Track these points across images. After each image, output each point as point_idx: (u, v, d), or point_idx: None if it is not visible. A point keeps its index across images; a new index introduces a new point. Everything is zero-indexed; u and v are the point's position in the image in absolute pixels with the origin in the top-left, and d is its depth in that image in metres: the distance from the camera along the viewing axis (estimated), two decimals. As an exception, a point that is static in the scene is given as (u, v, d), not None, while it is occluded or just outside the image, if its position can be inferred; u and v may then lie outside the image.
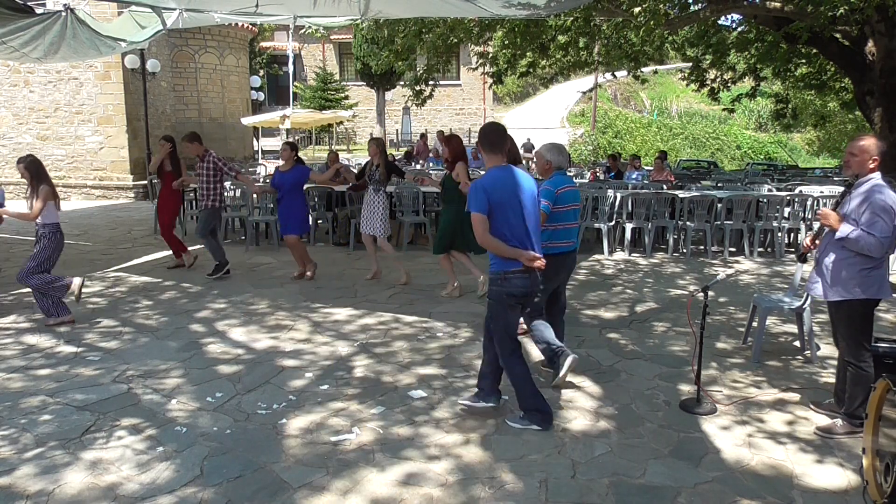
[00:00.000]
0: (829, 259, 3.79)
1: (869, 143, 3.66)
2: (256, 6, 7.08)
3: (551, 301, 4.79)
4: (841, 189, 3.94)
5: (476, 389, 4.13)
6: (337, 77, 35.14)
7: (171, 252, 8.41)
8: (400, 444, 3.69)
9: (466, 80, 35.40)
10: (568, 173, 5.00)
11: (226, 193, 10.74)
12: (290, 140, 7.93)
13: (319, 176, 8.08)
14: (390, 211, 10.60)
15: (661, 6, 11.37)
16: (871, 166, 3.65)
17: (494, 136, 3.83)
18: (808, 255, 4.03)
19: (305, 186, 7.92)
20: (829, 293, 3.80)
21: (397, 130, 34.99)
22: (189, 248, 8.36)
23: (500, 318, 3.84)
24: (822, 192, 9.76)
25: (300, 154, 8.39)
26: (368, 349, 5.25)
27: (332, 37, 33.66)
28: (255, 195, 9.87)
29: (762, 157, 36.31)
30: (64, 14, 7.01)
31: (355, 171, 8.45)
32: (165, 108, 19.17)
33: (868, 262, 3.64)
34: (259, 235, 10.05)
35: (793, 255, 9.22)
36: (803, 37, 11.22)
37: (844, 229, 3.62)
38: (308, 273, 7.64)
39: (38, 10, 7.14)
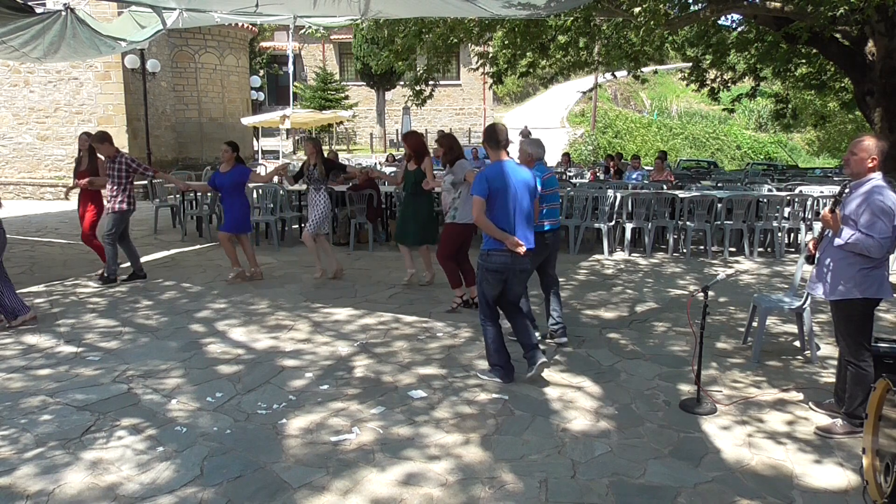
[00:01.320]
0: (830, 259, 3.79)
1: (870, 142, 3.66)
2: (256, 6, 7.07)
3: (540, 275, 5.41)
4: (838, 189, 3.94)
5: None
6: (337, 77, 35.13)
7: (171, 252, 8.40)
8: (400, 444, 3.69)
9: (466, 80, 35.38)
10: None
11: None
12: (231, 140, 7.82)
13: (260, 176, 7.97)
14: (390, 210, 10.67)
15: (661, 6, 11.38)
16: (870, 165, 3.65)
17: (497, 134, 4.54)
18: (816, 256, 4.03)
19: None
20: (829, 293, 3.80)
21: (397, 130, 34.98)
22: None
23: (481, 288, 4.53)
24: (822, 192, 9.76)
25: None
26: (368, 349, 5.25)
27: (332, 37, 33.67)
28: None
29: (762, 157, 36.33)
30: (64, 13, 7.00)
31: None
32: (165, 108, 19.18)
33: (868, 261, 3.64)
34: (259, 235, 10.05)
35: (793, 256, 9.23)
36: (803, 37, 11.23)
37: (843, 235, 3.62)
38: (236, 273, 7.45)
39: (38, 10, 7.13)
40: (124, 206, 7.25)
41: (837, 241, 3.66)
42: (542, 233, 5.08)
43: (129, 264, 7.62)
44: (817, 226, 4.41)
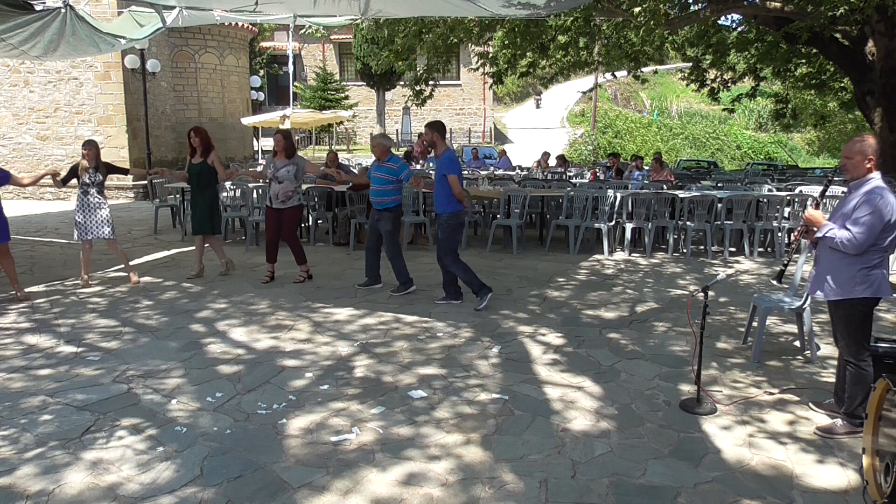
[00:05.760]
0: (829, 259, 3.79)
1: (862, 145, 3.66)
2: (256, 4, 7.06)
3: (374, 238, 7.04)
4: (841, 190, 3.95)
5: (445, 293, 6.58)
6: (337, 77, 35.14)
7: (171, 252, 8.39)
8: (400, 444, 3.69)
9: (466, 80, 35.38)
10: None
11: (225, 194, 10.78)
12: None
13: (22, 179, 7.54)
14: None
15: (661, 6, 11.39)
16: (868, 166, 3.65)
17: (443, 128, 6.33)
18: (793, 257, 4.04)
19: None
20: (828, 293, 3.80)
21: (397, 130, 34.99)
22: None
23: (451, 243, 6.30)
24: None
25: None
26: (369, 349, 5.25)
27: (332, 37, 33.68)
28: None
29: (762, 157, 36.33)
30: (63, 11, 6.99)
31: (355, 170, 8.50)
32: (165, 108, 19.16)
33: (867, 261, 3.64)
34: (259, 235, 10.04)
35: (793, 256, 9.21)
36: (803, 37, 11.24)
37: (823, 229, 3.67)
38: (18, 294, 6.76)
39: (38, 7, 7.11)
40: None
41: (818, 233, 3.74)
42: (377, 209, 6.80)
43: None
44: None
